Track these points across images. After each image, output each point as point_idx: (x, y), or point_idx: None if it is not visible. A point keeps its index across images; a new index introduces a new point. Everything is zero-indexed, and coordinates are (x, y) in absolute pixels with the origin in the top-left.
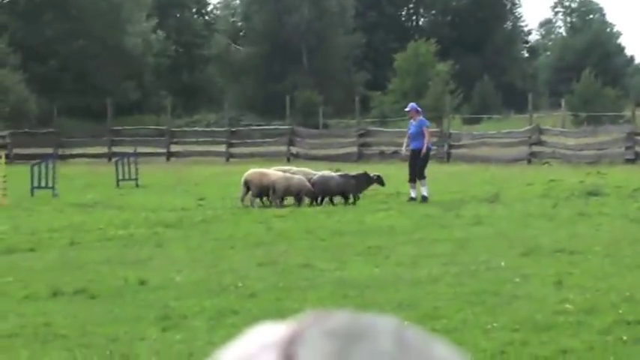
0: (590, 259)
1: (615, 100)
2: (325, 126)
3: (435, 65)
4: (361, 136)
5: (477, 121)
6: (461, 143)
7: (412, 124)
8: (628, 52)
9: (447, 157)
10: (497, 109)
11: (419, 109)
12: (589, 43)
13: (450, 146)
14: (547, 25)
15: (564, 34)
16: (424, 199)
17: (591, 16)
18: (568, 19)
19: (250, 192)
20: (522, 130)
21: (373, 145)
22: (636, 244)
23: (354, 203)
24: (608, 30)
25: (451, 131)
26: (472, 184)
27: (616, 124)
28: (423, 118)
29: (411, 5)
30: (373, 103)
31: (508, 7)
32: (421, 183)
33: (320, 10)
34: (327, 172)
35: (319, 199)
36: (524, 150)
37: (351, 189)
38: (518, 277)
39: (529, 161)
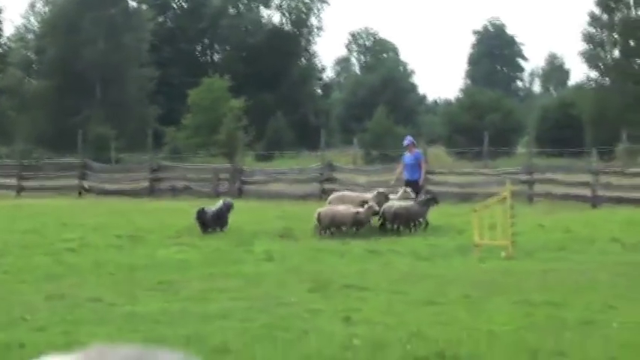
0: (378, 295)
1: None
2: (118, 160)
3: (229, 101)
4: (154, 171)
5: (270, 157)
6: (253, 179)
7: (407, 157)
8: (420, 90)
9: (239, 193)
10: (290, 145)
11: (415, 142)
12: (382, 80)
13: (243, 182)
14: (342, 62)
15: (358, 72)
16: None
17: (385, 55)
18: (362, 57)
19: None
20: (314, 166)
21: (165, 180)
22: (424, 281)
23: (425, 229)
24: (402, 68)
25: (244, 167)
26: (264, 220)
27: None
28: (419, 152)
29: (206, 40)
30: (166, 139)
31: (303, 43)
32: None
33: (115, 44)
34: (402, 202)
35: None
36: (316, 186)
37: (425, 215)
38: (307, 312)
39: (321, 197)
